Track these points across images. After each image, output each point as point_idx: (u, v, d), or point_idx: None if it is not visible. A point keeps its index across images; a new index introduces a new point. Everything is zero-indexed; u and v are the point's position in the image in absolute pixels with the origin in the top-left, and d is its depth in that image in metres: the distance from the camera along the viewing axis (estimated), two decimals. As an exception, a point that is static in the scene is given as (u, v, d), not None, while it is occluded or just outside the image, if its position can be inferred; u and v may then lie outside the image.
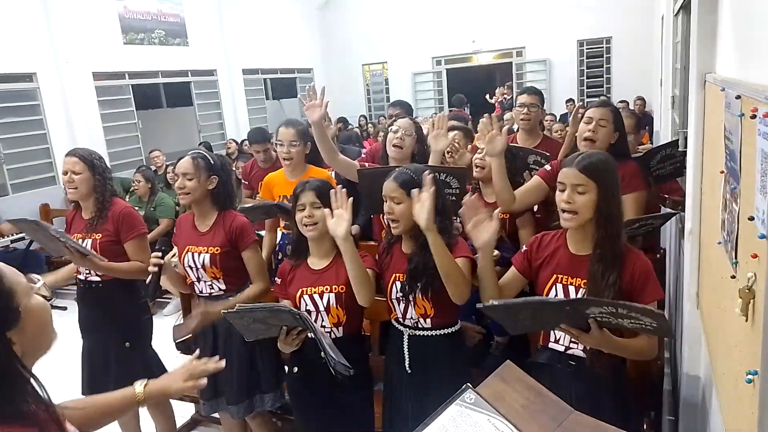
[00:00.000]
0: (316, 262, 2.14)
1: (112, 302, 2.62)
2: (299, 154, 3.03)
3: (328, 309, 2.06)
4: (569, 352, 1.81)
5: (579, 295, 1.74)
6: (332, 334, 2.09)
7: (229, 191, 2.45)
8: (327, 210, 1.98)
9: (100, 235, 2.56)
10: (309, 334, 1.97)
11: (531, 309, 1.61)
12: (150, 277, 2.21)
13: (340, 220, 1.93)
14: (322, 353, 1.87)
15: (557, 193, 1.77)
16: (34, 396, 0.97)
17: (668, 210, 2.90)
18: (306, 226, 2.06)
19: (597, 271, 1.70)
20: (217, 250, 2.34)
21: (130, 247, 2.58)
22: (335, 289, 2.06)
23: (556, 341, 1.84)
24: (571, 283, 1.78)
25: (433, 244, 1.79)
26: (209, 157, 2.41)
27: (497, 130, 2.36)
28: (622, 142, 2.55)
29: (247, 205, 2.89)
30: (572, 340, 1.76)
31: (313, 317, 2.06)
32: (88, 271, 2.60)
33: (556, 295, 1.79)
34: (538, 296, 1.80)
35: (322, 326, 2.08)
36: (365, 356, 2.25)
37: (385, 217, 1.99)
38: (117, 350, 2.63)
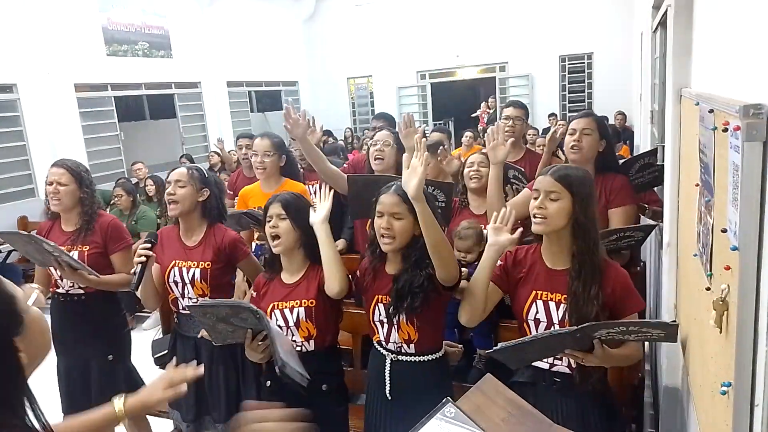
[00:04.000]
0: (288, 276, 2.10)
1: (95, 315, 2.58)
2: (273, 165, 3.04)
3: (297, 323, 2.02)
4: (554, 369, 1.79)
5: (561, 311, 1.74)
6: (303, 348, 2.04)
7: (220, 207, 2.42)
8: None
9: (88, 247, 2.53)
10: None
11: (540, 343, 1.60)
12: (136, 267, 2.12)
13: (320, 209, 2.03)
14: (274, 357, 1.80)
15: (531, 201, 1.77)
16: (34, 412, 0.93)
17: (648, 220, 2.93)
18: (272, 238, 2.03)
19: (577, 286, 1.69)
20: (208, 264, 2.29)
21: (117, 258, 2.55)
22: (305, 303, 2.03)
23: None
24: (551, 299, 1.76)
25: (421, 214, 1.70)
26: (204, 171, 2.39)
27: (502, 140, 2.39)
28: (610, 151, 2.57)
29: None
30: (556, 357, 1.75)
31: (285, 332, 2.03)
32: (70, 284, 2.54)
33: (537, 311, 1.78)
34: (549, 330, 1.75)
35: (293, 341, 2.04)
36: (340, 371, 2.20)
37: (377, 232, 1.89)
38: (99, 364, 2.58)
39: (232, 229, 2.51)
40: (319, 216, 2.01)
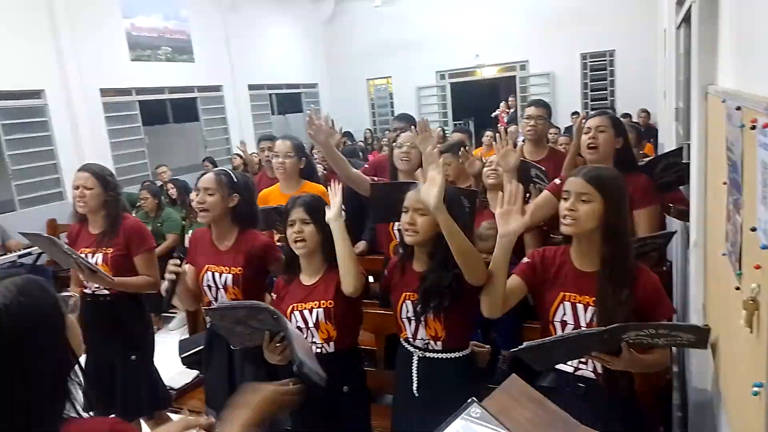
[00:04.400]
0: (307, 278, 2.12)
1: (120, 316, 2.64)
2: (293, 166, 3.09)
3: (317, 325, 2.04)
4: (578, 373, 1.76)
5: (589, 314, 1.72)
6: (323, 350, 2.06)
7: (251, 211, 2.41)
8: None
9: (111, 249, 2.58)
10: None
11: (567, 344, 1.59)
12: (167, 284, 2.16)
13: (332, 207, 2.04)
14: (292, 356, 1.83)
15: (561, 202, 1.74)
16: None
17: (673, 219, 2.90)
18: (295, 242, 2.05)
19: (607, 289, 1.67)
20: (239, 270, 2.31)
21: (139, 261, 2.60)
22: (323, 304, 2.04)
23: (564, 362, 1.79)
24: (579, 301, 1.74)
25: (444, 223, 1.72)
26: (233, 175, 2.38)
27: (510, 145, 2.37)
28: (628, 149, 2.54)
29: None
30: (581, 360, 1.73)
31: (304, 334, 2.05)
32: (96, 286, 2.61)
33: (564, 313, 1.76)
34: (576, 330, 1.72)
35: (312, 342, 2.06)
36: (360, 372, 2.22)
37: (401, 226, 1.94)
38: (123, 364, 2.63)
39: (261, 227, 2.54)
40: (333, 212, 2.03)
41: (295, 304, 2.08)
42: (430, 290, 1.87)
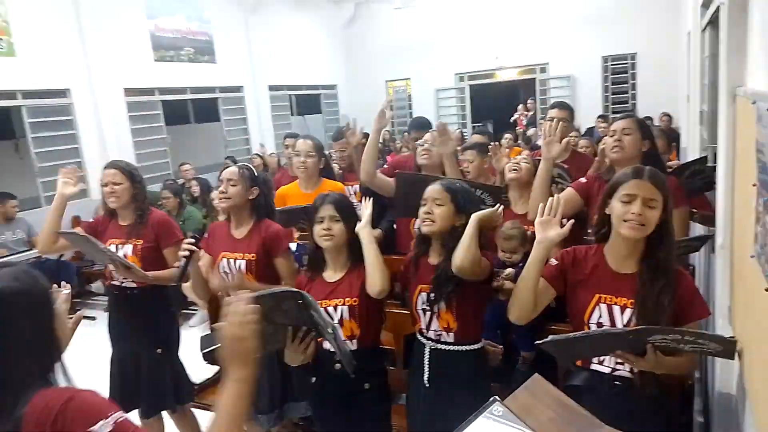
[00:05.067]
0: (331, 274, 2.15)
1: (146, 308, 2.69)
2: (314, 165, 3.15)
3: (341, 322, 2.06)
4: (616, 373, 1.74)
5: (626, 316, 1.70)
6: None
7: (269, 204, 2.55)
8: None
9: (141, 241, 2.66)
10: (326, 344, 1.98)
11: (592, 341, 1.59)
12: (181, 261, 2.25)
13: (363, 218, 2.11)
14: (325, 336, 1.84)
15: (618, 204, 1.69)
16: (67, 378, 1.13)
17: (696, 224, 2.87)
18: (322, 237, 2.09)
19: (650, 292, 1.64)
20: (253, 256, 2.41)
21: (169, 253, 2.66)
22: (348, 301, 2.07)
23: (600, 362, 1.77)
24: (615, 303, 1.72)
25: (469, 228, 1.85)
26: (254, 170, 2.52)
27: (558, 137, 2.40)
28: (655, 153, 2.51)
29: (279, 208, 2.97)
30: (618, 361, 1.71)
31: None
32: (123, 278, 2.66)
33: (600, 315, 1.74)
34: (601, 328, 1.72)
35: None
36: (383, 370, 2.24)
37: (419, 218, 2.01)
38: (149, 357, 2.68)
39: (286, 225, 2.60)
40: (363, 222, 2.10)
41: (319, 301, 2.09)
42: (442, 278, 1.93)
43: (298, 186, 3.22)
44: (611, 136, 2.48)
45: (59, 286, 1.38)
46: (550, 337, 1.58)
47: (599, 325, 1.74)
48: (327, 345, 2.04)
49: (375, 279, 1.99)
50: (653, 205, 1.65)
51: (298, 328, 1.91)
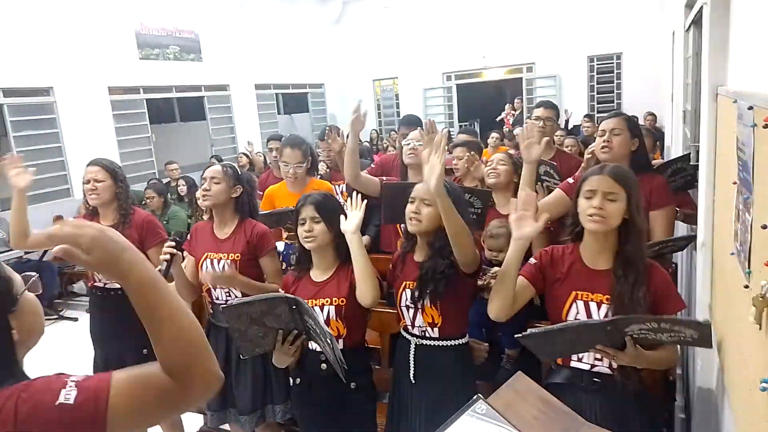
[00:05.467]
0: (318, 274, 2.15)
1: (130, 309, 2.64)
2: (303, 172, 3.14)
3: (327, 322, 2.06)
4: (595, 369, 1.77)
5: (602, 311, 1.72)
6: None
7: (252, 203, 2.52)
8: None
9: None
10: (311, 344, 1.98)
11: (570, 333, 1.60)
12: (162, 265, 2.21)
13: (352, 218, 2.05)
14: (318, 342, 1.85)
15: (583, 200, 1.74)
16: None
17: (679, 222, 2.89)
18: (305, 238, 2.08)
19: (624, 287, 1.67)
20: (237, 256, 2.38)
21: (153, 253, 2.62)
22: (335, 301, 2.06)
23: (579, 360, 1.79)
24: (592, 299, 1.74)
25: (442, 205, 1.78)
26: (237, 169, 2.49)
27: (537, 138, 2.39)
28: (643, 151, 2.52)
29: (265, 211, 2.96)
30: (597, 357, 1.73)
31: None
32: (106, 279, 2.63)
33: (577, 312, 1.76)
34: (577, 320, 1.74)
35: None
36: (369, 370, 2.24)
37: (407, 216, 1.99)
38: (134, 358, 2.64)
39: (273, 226, 2.58)
40: (351, 225, 2.04)
41: (306, 301, 2.09)
42: (427, 276, 1.93)
43: (286, 186, 3.20)
44: (600, 136, 2.48)
45: None
46: (529, 330, 1.60)
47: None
48: (312, 345, 2.04)
49: (365, 290, 1.98)
50: (613, 198, 1.68)
51: (289, 331, 1.92)
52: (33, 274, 1.08)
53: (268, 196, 3.24)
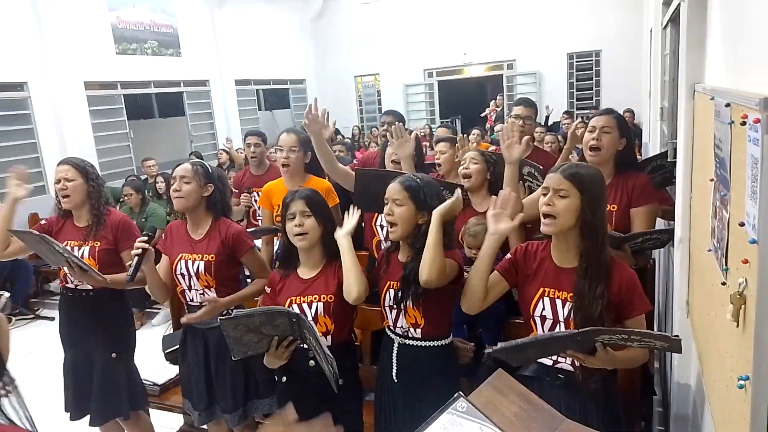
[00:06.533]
0: (305, 271, 2.13)
1: (101, 311, 2.59)
2: (298, 161, 3.03)
3: (315, 318, 2.04)
4: (557, 365, 1.79)
5: (566, 309, 1.74)
6: None
7: (225, 201, 2.45)
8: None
9: (99, 243, 2.55)
10: (302, 345, 1.96)
11: (539, 344, 1.61)
12: (133, 260, 2.17)
13: (346, 224, 2.08)
14: (316, 357, 1.85)
15: (541, 198, 1.76)
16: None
17: (658, 219, 2.91)
18: (296, 235, 2.06)
19: (583, 285, 1.69)
20: (212, 257, 2.33)
21: (127, 256, 2.56)
22: (324, 298, 2.05)
23: None
24: (558, 297, 1.76)
25: (432, 227, 1.83)
26: (208, 167, 2.42)
27: (517, 138, 2.37)
28: (630, 150, 2.52)
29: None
30: (560, 354, 1.75)
31: None
32: (79, 281, 2.56)
33: (543, 308, 1.78)
34: (547, 333, 1.76)
35: None
36: (355, 366, 2.23)
37: (384, 221, 2.00)
38: (102, 361, 2.59)
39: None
40: (344, 230, 2.06)
41: (293, 297, 2.07)
42: (410, 278, 1.91)
43: (284, 182, 3.09)
44: (590, 132, 2.45)
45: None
46: (500, 344, 1.60)
47: (543, 317, 1.79)
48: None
49: (352, 287, 1.97)
50: (564, 195, 1.70)
51: (284, 337, 1.90)
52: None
53: (266, 192, 3.16)
